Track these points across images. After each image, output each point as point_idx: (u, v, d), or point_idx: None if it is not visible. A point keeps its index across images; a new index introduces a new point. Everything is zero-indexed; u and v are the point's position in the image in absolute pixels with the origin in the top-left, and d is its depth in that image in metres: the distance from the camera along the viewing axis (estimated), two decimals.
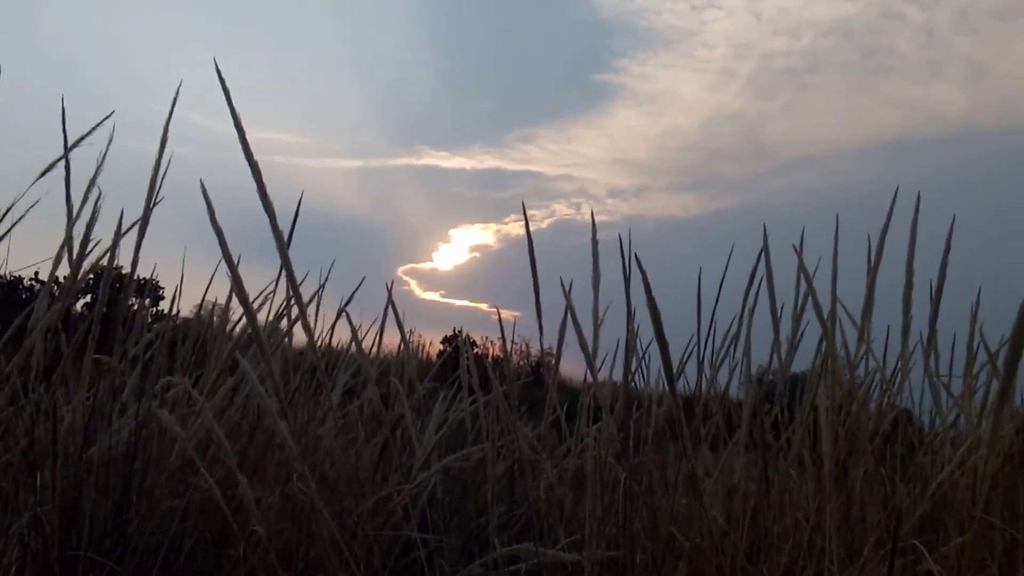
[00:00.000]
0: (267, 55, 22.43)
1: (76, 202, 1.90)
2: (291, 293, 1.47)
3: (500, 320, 2.01)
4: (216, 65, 1.38)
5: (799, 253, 1.94)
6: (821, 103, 20.68)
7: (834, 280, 1.82)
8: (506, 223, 21.55)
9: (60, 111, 1.89)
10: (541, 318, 2.04)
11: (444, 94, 24.12)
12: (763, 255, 1.97)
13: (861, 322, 1.77)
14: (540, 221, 20.96)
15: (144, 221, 1.79)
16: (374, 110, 23.41)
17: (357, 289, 2.36)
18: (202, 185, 1.41)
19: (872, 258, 1.85)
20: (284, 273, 1.44)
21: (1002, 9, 17.94)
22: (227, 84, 1.39)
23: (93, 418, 1.74)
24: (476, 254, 21.41)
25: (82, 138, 1.85)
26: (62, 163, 1.87)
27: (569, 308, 1.95)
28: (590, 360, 1.83)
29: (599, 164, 23.04)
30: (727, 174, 22.74)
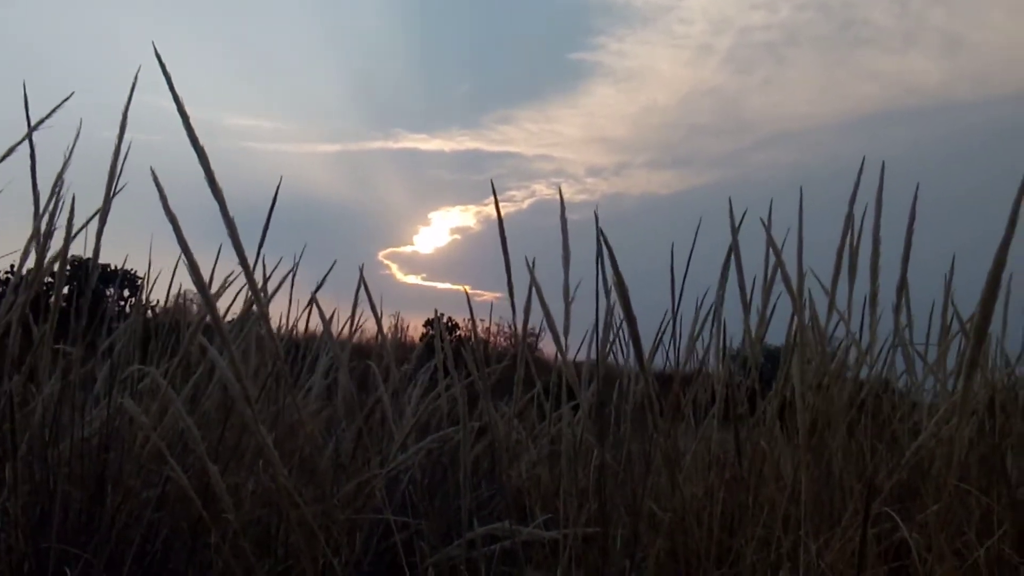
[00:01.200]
0: (242, 42, 22.20)
1: (44, 192, 1.88)
2: (247, 281, 1.45)
3: (469, 301, 2.00)
4: (155, 49, 1.36)
5: (767, 228, 1.94)
6: (800, 77, 20.74)
7: (800, 253, 1.82)
8: (486, 204, 21.48)
9: (23, 96, 1.85)
10: (514, 298, 2.03)
11: (421, 76, 24.00)
12: (733, 230, 1.96)
13: (830, 292, 1.77)
14: (520, 202, 20.96)
15: (104, 209, 1.77)
16: (350, 94, 23.25)
17: (328, 273, 2.35)
18: (153, 173, 1.39)
19: (842, 227, 1.85)
20: (244, 260, 1.42)
21: None
22: (167, 67, 1.38)
23: (62, 409, 1.72)
24: (457, 236, 21.36)
25: (42, 120, 1.82)
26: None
27: (535, 286, 1.95)
28: (558, 338, 1.82)
29: (578, 143, 23.02)
30: (707, 150, 22.80)
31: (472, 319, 2.24)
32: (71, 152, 1.94)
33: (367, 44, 23.34)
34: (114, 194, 1.77)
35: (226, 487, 1.56)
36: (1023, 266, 1.61)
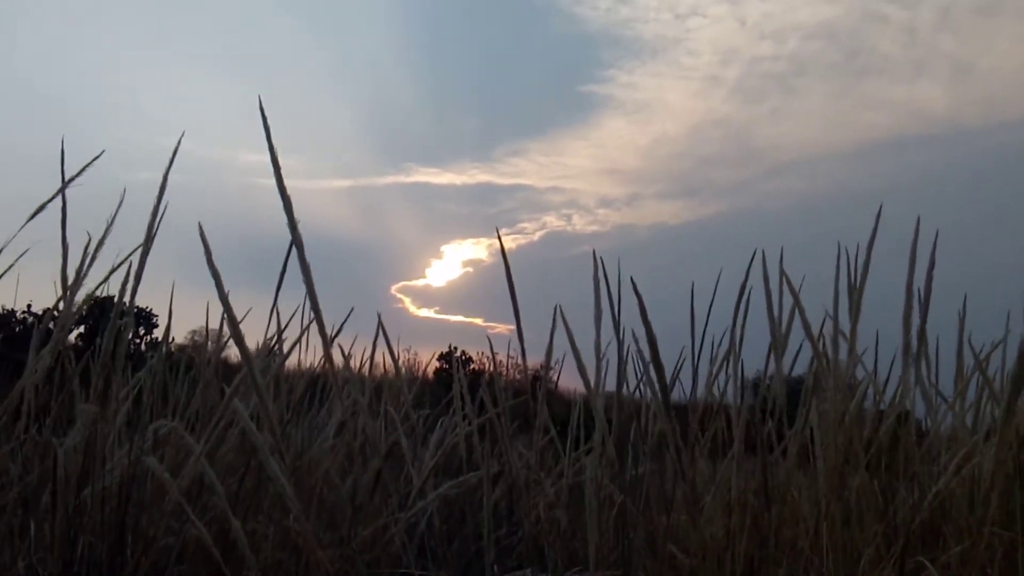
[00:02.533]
0: (254, 78, 22.47)
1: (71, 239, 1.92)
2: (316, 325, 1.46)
3: (491, 344, 2.01)
4: (261, 105, 1.39)
5: (784, 275, 1.94)
6: (808, 106, 20.81)
7: (836, 305, 1.82)
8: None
9: (60, 150, 1.89)
10: (522, 338, 2.04)
11: (432, 111, 24.21)
12: (752, 266, 1.98)
13: (851, 338, 1.77)
14: (532, 234, 21.04)
15: (139, 273, 1.79)
16: (362, 129, 23.47)
17: (346, 320, 2.36)
18: (200, 229, 1.41)
19: (855, 273, 1.85)
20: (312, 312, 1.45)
21: (983, 5, 18.10)
22: (267, 122, 1.40)
23: (87, 461, 1.73)
24: (469, 269, 21.42)
25: (73, 178, 1.86)
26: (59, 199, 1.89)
27: (563, 326, 1.95)
28: (593, 395, 1.82)
29: (589, 174, 23.12)
30: (717, 180, 22.84)
31: (493, 358, 2.24)
32: (112, 221, 1.97)
33: (378, 80, 23.62)
34: (146, 254, 1.78)
35: (245, 534, 1.56)
36: None
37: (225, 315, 1.38)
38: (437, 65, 23.36)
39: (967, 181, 18.55)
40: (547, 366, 2.17)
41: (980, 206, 17.64)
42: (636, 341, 2.01)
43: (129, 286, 1.84)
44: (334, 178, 22.34)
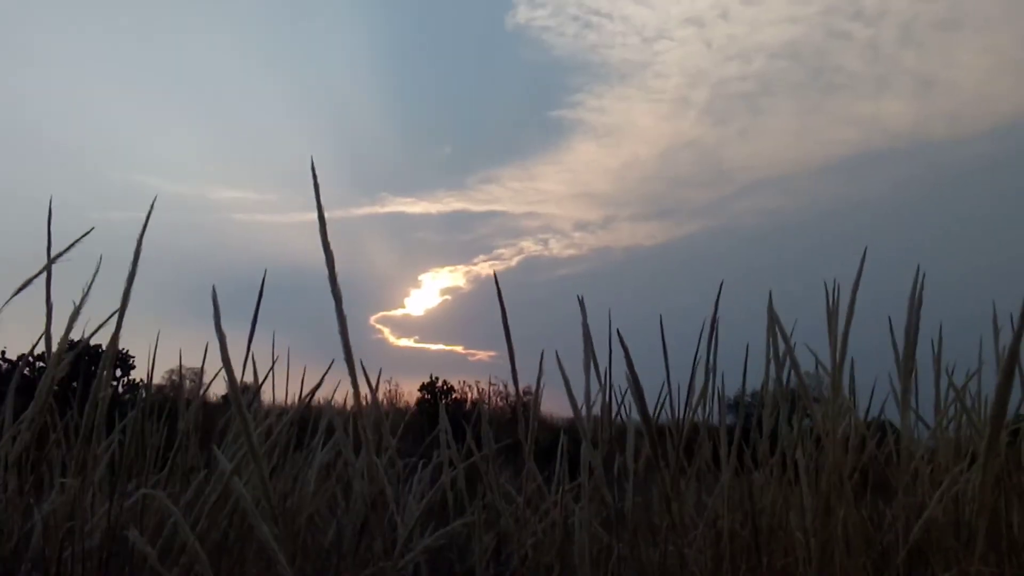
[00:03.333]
0: (225, 115, 22.45)
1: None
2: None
3: (477, 388, 2.00)
4: (312, 166, 1.39)
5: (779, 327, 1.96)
6: (776, 125, 21.08)
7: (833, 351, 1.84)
8: (475, 264, 21.59)
9: (47, 215, 1.89)
10: (515, 369, 2.05)
11: (404, 141, 24.24)
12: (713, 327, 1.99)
13: (832, 385, 1.79)
14: (510, 259, 21.08)
15: (115, 338, 1.78)
16: (334, 161, 23.40)
17: (327, 372, 2.34)
18: (213, 292, 1.40)
19: (839, 317, 1.87)
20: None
21: (944, 20, 18.49)
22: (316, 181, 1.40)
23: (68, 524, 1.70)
24: (448, 297, 21.42)
25: (60, 254, 1.86)
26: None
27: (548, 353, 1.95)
28: (584, 431, 1.82)
29: (563, 199, 23.21)
30: (689, 200, 23.01)
31: (476, 392, 2.23)
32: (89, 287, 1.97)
33: (350, 111, 23.63)
34: (121, 315, 1.77)
35: None
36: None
37: (227, 383, 1.37)
38: (408, 95, 23.43)
39: (933, 193, 18.87)
40: (536, 403, 2.16)
41: (946, 217, 17.93)
42: (622, 391, 2.02)
43: (109, 352, 1.83)
44: (309, 211, 22.19)
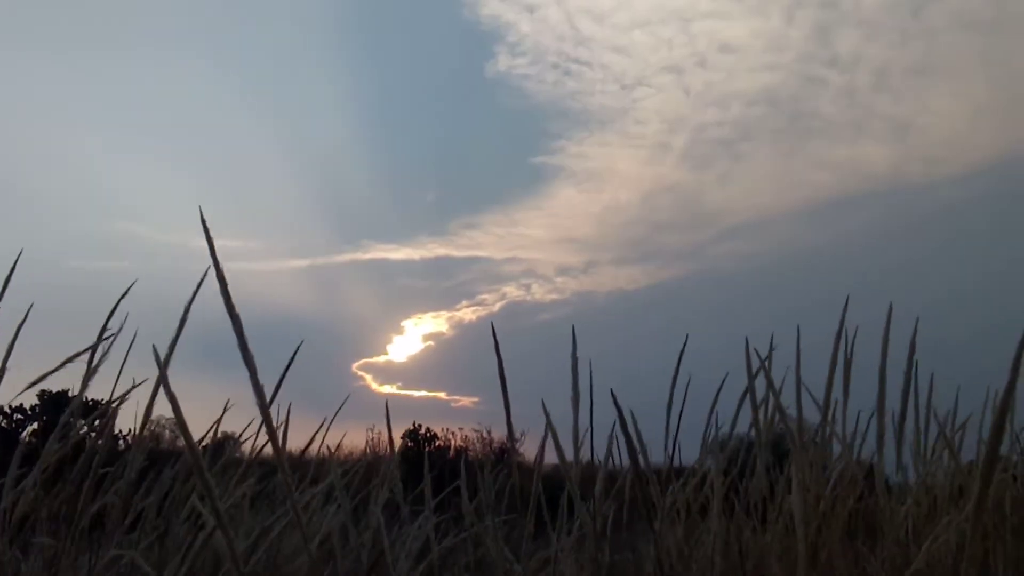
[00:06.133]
0: (204, 163, 22.46)
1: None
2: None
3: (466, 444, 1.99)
4: (201, 213, 1.38)
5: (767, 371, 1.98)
6: (755, 169, 21.33)
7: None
8: (458, 309, 21.57)
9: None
10: (510, 418, 2.05)
11: (386, 188, 24.29)
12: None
13: (821, 427, 1.80)
14: (492, 305, 21.07)
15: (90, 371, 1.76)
16: (316, 208, 23.43)
17: (314, 436, 2.32)
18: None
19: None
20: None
21: (917, 65, 18.89)
22: (209, 230, 1.39)
23: None
24: (431, 343, 21.33)
25: None
26: None
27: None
28: (570, 479, 1.81)
29: (545, 244, 23.31)
30: (670, 245, 23.18)
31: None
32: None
33: (331, 158, 23.71)
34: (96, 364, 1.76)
35: None
36: None
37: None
38: (390, 142, 23.58)
39: (909, 234, 19.13)
40: (541, 458, 2.16)
41: (924, 258, 18.17)
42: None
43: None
44: (291, 258, 22.21)
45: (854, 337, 2.00)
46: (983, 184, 17.91)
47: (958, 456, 2.06)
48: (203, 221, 1.36)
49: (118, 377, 2.06)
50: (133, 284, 1.96)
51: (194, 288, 1.60)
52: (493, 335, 1.97)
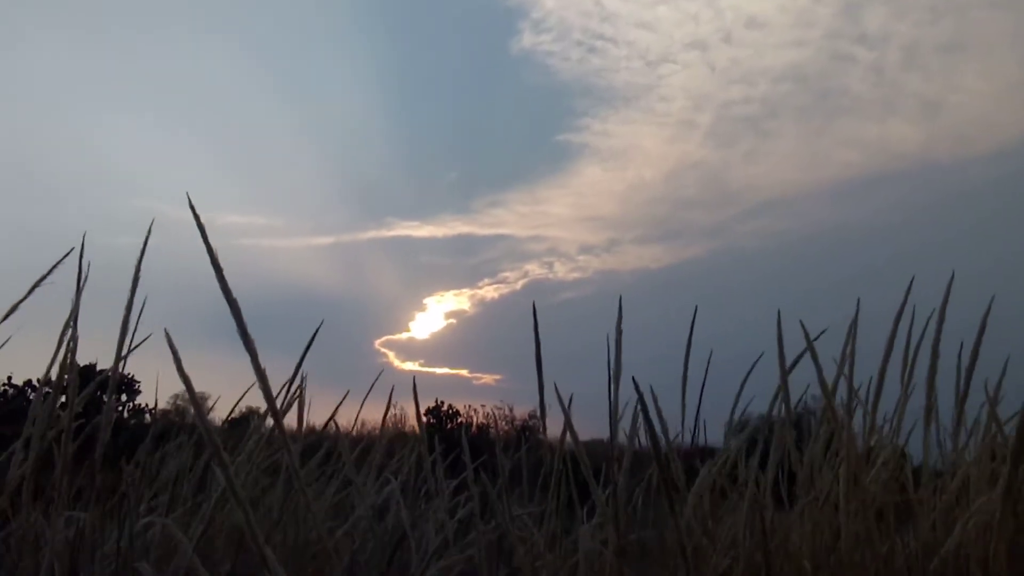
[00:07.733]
0: (232, 141, 22.58)
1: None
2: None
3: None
4: (190, 200, 1.36)
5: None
6: (781, 147, 21.15)
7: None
8: (480, 287, 21.64)
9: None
10: (544, 404, 2.03)
11: (410, 165, 24.36)
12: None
13: (871, 419, 1.76)
14: (514, 283, 21.10)
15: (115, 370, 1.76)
16: (341, 186, 23.54)
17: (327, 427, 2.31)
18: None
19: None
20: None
21: (946, 44, 18.56)
22: (199, 216, 1.37)
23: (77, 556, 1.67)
24: (453, 320, 21.44)
25: (43, 277, 1.86)
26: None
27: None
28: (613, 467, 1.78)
29: (569, 222, 23.28)
30: (695, 222, 23.08)
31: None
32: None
33: (356, 136, 23.80)
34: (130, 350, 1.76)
35: None
36: None
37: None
38: (414, 119, 23.58)
39: (940, 214, 18.86)
40: (566, 436, 2.13)
41: (953, 238, 17.93)
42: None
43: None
44: (315, 235, 22.37)
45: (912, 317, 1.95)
46: (1013, 164, 17.61)
47: (1002, 428, 2.02)
48: (192, 208, 1.35)
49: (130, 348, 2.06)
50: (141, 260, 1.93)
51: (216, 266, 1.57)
52: (534, 315, 1.95)
